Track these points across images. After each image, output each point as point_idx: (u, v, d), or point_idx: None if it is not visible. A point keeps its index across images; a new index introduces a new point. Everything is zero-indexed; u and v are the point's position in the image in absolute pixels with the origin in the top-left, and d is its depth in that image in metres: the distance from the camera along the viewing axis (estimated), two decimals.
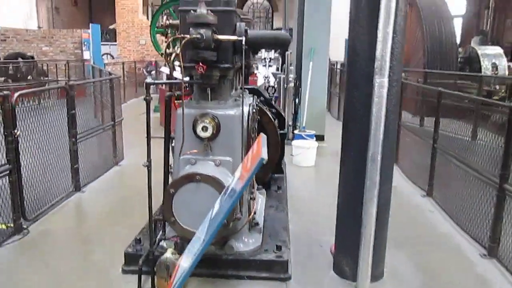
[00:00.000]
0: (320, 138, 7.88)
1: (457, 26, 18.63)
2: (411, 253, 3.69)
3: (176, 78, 3.20)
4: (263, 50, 9.18)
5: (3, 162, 3.76)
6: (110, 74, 7.31)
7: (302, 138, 7.06)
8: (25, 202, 3.96)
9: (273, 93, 8.41)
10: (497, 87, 11.49)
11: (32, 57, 13.27)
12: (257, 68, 9.70)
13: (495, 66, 13.49)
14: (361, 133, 3.00)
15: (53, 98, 7.21)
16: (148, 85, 2.86)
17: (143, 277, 2.95)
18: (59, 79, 13.11)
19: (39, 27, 20.01)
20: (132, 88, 14.53)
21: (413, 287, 3.21)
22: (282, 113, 5.12)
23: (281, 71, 9.43)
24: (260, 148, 2.15)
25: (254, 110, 3.46)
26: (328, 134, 8.16)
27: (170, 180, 3.20)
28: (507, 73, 13.37)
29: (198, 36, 2.72)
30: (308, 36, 7.85)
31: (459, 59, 13.40)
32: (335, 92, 11.23)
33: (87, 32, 15.20)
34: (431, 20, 13.09)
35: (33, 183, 4.25)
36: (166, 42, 3.02)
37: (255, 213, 3.38)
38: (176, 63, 2.97)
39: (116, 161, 6.20)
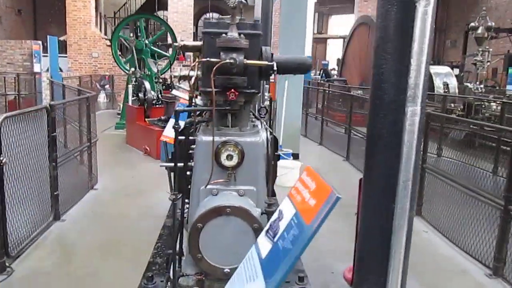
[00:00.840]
0: (295, 156, 7.87)
1: None
2: (422, 279, 3.69)
3: (194, 103, 3.01)
4: None
5: None
6: (79, 90, 6.89)
7: (281, 157, 7.00)
8: (8, 237, 3.55)
9: (265, 114, 8.32)
10: (453, 105, 12.14)
11: None
12: None
13: (446, 85, 14.28)
14: (388, 160, 2.96)
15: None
16: (177, 113, 2.66)
17: None
18: (8, 93, 12.23)
19: None
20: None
21: None
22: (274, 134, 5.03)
23: None
24: (327, 184, 2.02)
25: (271, 136, 3.33)
26: (302, 153, 8.19)
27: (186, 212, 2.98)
28: (457, 91, 14.19)
29: (232, 61, 2.57)
30: (283, 48, 7.81)
31: None
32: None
33: (37, 44, 14.37)
34: None
35: (13, 214, 3.83)
36: (187, 65, 2.84)
37: None
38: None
39: (91, 185, 5.80)
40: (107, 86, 16.98)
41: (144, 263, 3.46)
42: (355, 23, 17.48)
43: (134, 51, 9.87)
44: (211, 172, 2.76)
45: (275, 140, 4.47)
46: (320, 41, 31.15)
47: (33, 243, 4.03)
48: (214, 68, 2.59)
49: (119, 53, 11.27)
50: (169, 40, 12.32)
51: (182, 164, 2.97)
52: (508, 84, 15.47)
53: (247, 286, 2.14)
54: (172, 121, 7.58)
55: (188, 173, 3.04)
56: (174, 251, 2.78)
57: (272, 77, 3.39)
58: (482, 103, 11.22)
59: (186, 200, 3.12)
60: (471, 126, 10.02)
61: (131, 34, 11.40)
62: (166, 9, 19.84)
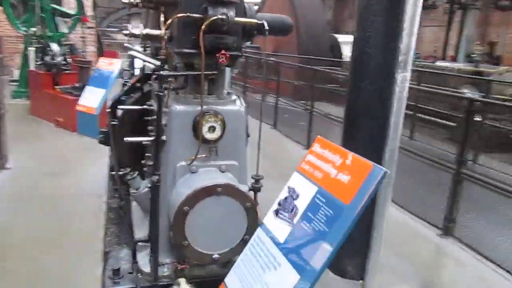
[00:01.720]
0: None
1: None
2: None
3: (160, 66, 2.57)
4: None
5: None
6: None
7: None
8: None
9: None
10: None
11: None
12: None
13: None
14: (374, 128, 2.87)
15: None
16: (162, 78, 2.22)
17: None
18: None
19: None
20: None
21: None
22: None
23: None
24: (363, 158, 1.79)
25: (246, 104, 3.03)
26: None
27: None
28: None
29: (224, 17, 2.19)
30: None
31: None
32: None
33: None
34: (302, 4, 13.73)
35: None
36: (163, 21, 2.37)
37: None
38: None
39: (2, 164, 4.94)
40: None
41: (95, 254, 3.01)
42: None
43: (34, 9, 8.54)
44: (197, 147, 2.40)
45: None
46: None
47: None
48: (204, 25, 2.19)
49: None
50: None
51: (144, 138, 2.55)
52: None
53: (267, 276, 1.88)
54: (91, 89, 6.78)
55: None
56: (157, 240, 2.40)
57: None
58: None
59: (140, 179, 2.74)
60: None
61: None
62: None
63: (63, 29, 9.25)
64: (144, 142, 2.58)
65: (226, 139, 2.57)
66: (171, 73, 2.38)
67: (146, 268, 2.54)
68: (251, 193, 2.64)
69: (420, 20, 2.60)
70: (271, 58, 14.74)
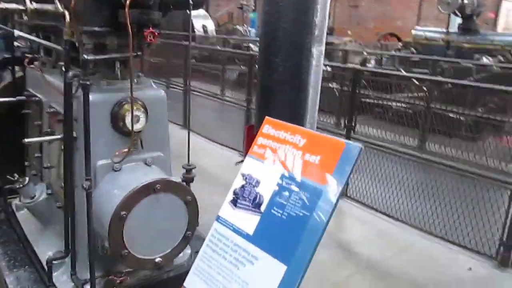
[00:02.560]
0: None
1: None
2: None
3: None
4: None
5: None
6: None
7: None
8: None
9: None
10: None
11: None
12: None
13: (205, 28, 14.83)
14: (292, 104, 2.88)
15: None
16: (86, 63, 1.79)
17: None
18: None
19: None
20: None
21: None
22: None
23: None
24: (331, 137, 1.71)
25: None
26: None
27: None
28: (215, 34, 14.95)
29: None
30: None
31: None
32: None
33: None
34: None
35: None
36: None
37: None
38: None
39: None
40: None
41: None
42: None
43: None
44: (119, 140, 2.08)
45: None
46: None
47: None
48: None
49: None
50: None
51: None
52: (252, 28, 17.29)
53: (243, 273, 1.74)
54: None
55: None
56: (92, 252, 2.03)
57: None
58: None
59: None
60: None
61: None
62: None
63: None
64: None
65: (150, 128, 2.28)
66: (99, 56, 1.98)
67: None
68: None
69: None
70: None
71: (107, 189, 2.12)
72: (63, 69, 2.09)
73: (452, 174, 4.16)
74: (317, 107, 2.88)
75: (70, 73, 2.01)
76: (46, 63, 2.69)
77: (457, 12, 8.06)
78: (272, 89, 2.95)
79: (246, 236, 1.81)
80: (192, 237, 2.26)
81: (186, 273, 2.52)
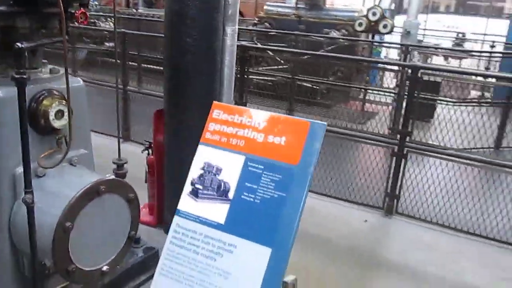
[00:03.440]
0: None
1: None
2: None
3: None
4: None
5: None
6: None
7: None
8: None
9: None
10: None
11: None
12: None
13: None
14: (209, 84, 2.83)
15: None
16: (20, 52, 1.41)
17: None
18: None
19: None
20: None
21: None
22: None
23: None
24: (292, 117, 1.66)
25: None
26: None
27: None
28: None
29: None
30: None
31: None
32: None
33: None
34: None
35: None
36: None
37: None
38: None
39: None
40: None
41: None
42: None
43: None
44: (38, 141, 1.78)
45: None
46: None
47: None
48: None
49: None
50: None
51: None
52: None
53: (223, 265, 1.71)
54: None
55: None
56: (36, 273, 1.72)
57: None
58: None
59: None
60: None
61: None
62: None
63: None
64: None
65: (73, 124, 2.00)
66: (41, 42, 1.62)
67: None
68: None
69: None
70: None
71: (36, 199, 1.81)
72: None
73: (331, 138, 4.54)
74: (232, 88, 2.89)
75: None
76: None
77: None
78: (185, 71, 2.85)
79: (217, 226, 1.76)
80: (135, 236, 2.10)
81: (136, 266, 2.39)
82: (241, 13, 13.92)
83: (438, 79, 7.28)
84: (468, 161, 3.76)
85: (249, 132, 1.84)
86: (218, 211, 1.78)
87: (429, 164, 4.09)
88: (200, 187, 1.84)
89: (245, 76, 4.63)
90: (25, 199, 1.61)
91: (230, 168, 1.82)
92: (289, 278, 1.72)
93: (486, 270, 3.10)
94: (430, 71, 5.14)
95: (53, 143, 1.94)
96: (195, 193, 1.84)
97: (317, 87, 8.13)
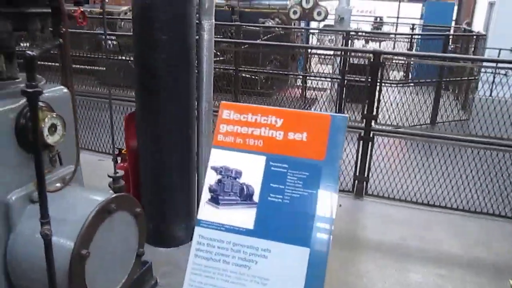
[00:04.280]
0: None
1: None
2: None
3: None
4: None
5: None
6: None
7: None
8: None
9: None
10: None
11: None
12: None
13: None
14: (186, 82, 2.69)
15: None
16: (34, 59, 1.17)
17: None
18: None
19: None
20: None
21: None
22: None
23: None
24: (311, 112, 1.57)
25: None
26: None
27: None
28: None
29: None
30: None
31: None
32: None
33: None
34: None
35: None
36: None
37: None
38: None
39: None
40: None
41: None
42: None
43: None
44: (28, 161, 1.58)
45: None
46: None
47: None
48: None
49: None
50: None
51: None
52: None
53: (259, 271, 1.63)
54: None
55: None
56: None
57: None
58: None
59: None
60: None
61: None
62: None
63: None
64: None
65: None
66: (47, 47, 1.38)
67: None
68: None
69: None
70: None
71: (35, 228, 1.59)
72: None
73: None
74: (212, 84, 2.77)
75: None
76: None
77: None
78: (158, 69, 2.68)
79: (246, 232, 1.67)
80: (143, 253, 1.94)
81: None
82: None
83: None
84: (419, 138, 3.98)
85: (266, 131, 1.76)
86: (245, 216, 1.69)
87: (384, 144, 4.29)
88: (220, 193, 1.73)
89: None
90: (44, 231, 1.40)
91: (251, 170, 1.73)
92: None
93: (458, 239, 3.32)
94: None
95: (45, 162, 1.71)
96: (215, 200, 1.73)
97: (256, 77, 8.13)
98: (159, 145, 2.77)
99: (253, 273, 1.64)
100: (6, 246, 1.61)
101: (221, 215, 1.71)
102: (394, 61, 6.85)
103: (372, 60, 3.58)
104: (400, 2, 17.82)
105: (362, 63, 6.71)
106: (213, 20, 2.59)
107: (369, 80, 3.63)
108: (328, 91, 7.94)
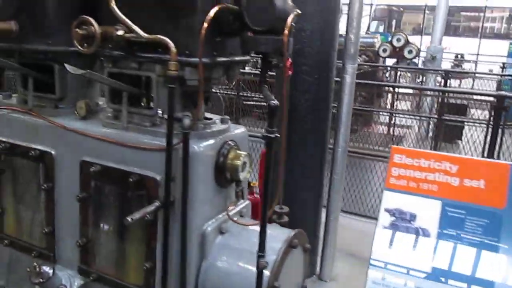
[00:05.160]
0: None
1: None
2: None
3: None
4: None
5: None
6: None
7: None
8: None
9: None
10: None
11: None
12: None
13: None
14: (322, 124, 2.80)
15: None
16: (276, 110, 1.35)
17: None
18: None
19: None
20: None
21: None
22: None
23: None
24: (490, 160, 1.64)
25: None
26: None
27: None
28: None
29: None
30: None
31: None
32: None
33: None
34: None
35: None
36: None
37: None
38: None
39: None
40: None
41: None
42: None
43: None
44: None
45: None
46: None
47: None
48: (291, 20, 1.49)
49: None
50: None
51: None
52: None
53: None
54: None
55: None
56: None
57: None
58: None
59: None
60: None
61: None
62: None
63: None
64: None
65: None
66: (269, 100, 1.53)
67: None
68: None
69: None
70: None
71: (228, 261, 1.73)
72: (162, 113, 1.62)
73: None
74: (349, 127, 2.86)
75: (187, 121, 1.57)
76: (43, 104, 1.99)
77: None
78: (301, 109, 2.82)
79: (426, 276, 1.70)
80: (306, 287, 2.02)
81: None
82: None
83: (465, 102, 7.46)
84: None
85: (441, 176, 1.81)
86: (421, 258, 1.73)
87: None
88: (394, 235, 1.79)
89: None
90: (262, 264, 1.52)
91: (426, 214, 1.78)
92: None
93: None
94: None
95: (231, 196, 1.87)
96: (389, 241, 1.79)
97: None
98: (292, 179, 2.89)
99: None
100: (199, 273, 1.75)
101: (396, 256, 1.76)
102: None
103: (495, 103, 3.54)
104: (480, 39, 17.29)
105: (459, 102, 6.59)
106: (356, 64, 2.72)
107: (491, 123, 3.58)
108: (417, 129, 7.81)
